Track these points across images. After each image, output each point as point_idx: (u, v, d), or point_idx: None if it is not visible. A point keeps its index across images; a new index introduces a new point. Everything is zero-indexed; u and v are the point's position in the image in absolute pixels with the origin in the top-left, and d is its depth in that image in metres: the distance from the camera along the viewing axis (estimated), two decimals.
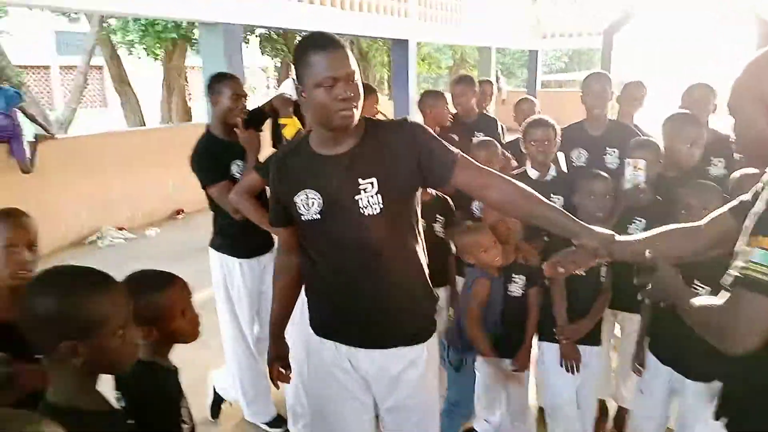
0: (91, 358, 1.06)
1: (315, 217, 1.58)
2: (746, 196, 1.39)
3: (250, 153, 2.51)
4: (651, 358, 2.20)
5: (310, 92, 1.47)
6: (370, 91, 3.14)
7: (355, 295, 1.64)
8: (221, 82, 2.53)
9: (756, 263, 1.03)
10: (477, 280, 2.29)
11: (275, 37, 13.36)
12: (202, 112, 14.84)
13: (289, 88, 9.52)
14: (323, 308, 1.74)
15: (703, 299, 1.24)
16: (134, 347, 1.16)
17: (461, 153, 1.59)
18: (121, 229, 6.40)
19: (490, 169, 1.62)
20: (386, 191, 1.53)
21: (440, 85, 23.01)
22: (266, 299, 2.74)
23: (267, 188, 2.52)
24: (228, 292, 2.65)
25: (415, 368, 1.70)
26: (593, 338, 2.37)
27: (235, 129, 2.54)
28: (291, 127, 2.55)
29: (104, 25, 9.43)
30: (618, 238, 1.54)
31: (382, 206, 1.53)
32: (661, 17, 13.51)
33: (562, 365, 2.32)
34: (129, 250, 5.89)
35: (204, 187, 2.55)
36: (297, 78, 1.50)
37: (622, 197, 2.28)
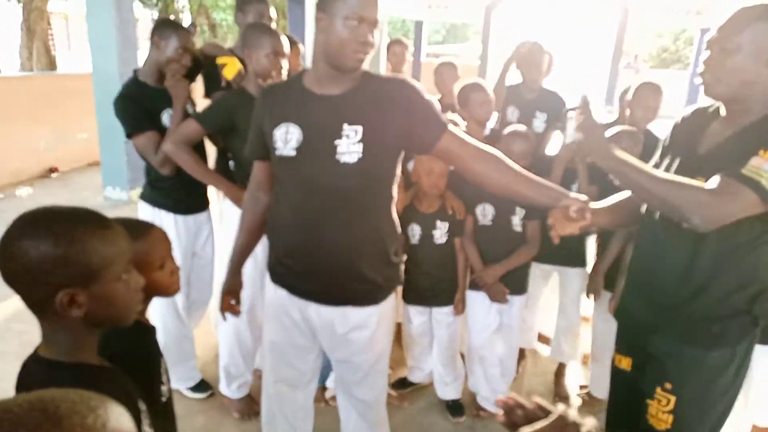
0: (93, 309, 0.95)
1: (290, 153, 1.55)
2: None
3: (177, 102, 2.34)
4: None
5: (332, 22, 1.45)
6: (292, 43, 3.08)
7: (313, 245, 1.60)
8: (172, 30, 2.32)
9: (761, 172, 1.24)
10: None
11: None
12: (65, 64, 13.39)
13: None
14: (280, 253, 1.71)
15: (661, 173, 1.40)
16: (138, 294, 1.06)
17: (451, 123, 1.59)
18: None
19: (476, 141, 1.60)
20: (369, 142, 1.50)
21: None
22: (199, 260, 2.65)
23: (206, 138, 2.43)
24: None
25: (363, 329, 1.70)
26: (513, 287, 2.55)
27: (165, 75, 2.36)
28: (231, 66, 2.41)
29: None
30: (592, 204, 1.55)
31: (360, 156, 1.50)
32: None
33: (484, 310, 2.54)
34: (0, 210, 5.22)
35: (129, 136, 2.35)
36: (323, 2, 1.47)
37: (563, 150, 2.46)
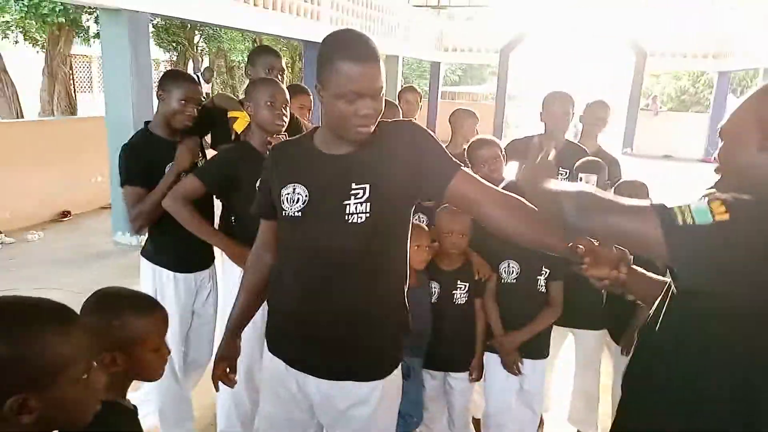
0: (46, 413, 0.84)
1: (296, 214, 1.47)
2: None
3: (176, 165, 2.28)
4: None
5: (329, 98, 1.37)
6: (300, 91, 3.02)
7: (315, 311, 1.49)
8: (174, 82, 2.29)
9: (686, 208, 1.04)
10: None
11: (173, 28, 12.62)
12: (87, 106, 13.76)
13: None
14: (279, 320, 1.60)
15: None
16: (98, 394, 0.94)
17: (462, 166, 1.48)
18: None
19: (491, 185, 1.48)
20: (376, 199, 1.41)
21: None
22: (199, 319, 2.54)
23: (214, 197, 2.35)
24: None
25: (365, 406, 1.56)
26: (535, 351, 2.39)
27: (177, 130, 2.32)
28: (242, 120, 2.37)
29: None
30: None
31: (368, 215, 1.41)
32: (552, 39, 14.51)
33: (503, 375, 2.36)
34: (10, 257, 5.16)
35: (121, 185, 2.31)
36: (318, 75, 1.38)
37: None
